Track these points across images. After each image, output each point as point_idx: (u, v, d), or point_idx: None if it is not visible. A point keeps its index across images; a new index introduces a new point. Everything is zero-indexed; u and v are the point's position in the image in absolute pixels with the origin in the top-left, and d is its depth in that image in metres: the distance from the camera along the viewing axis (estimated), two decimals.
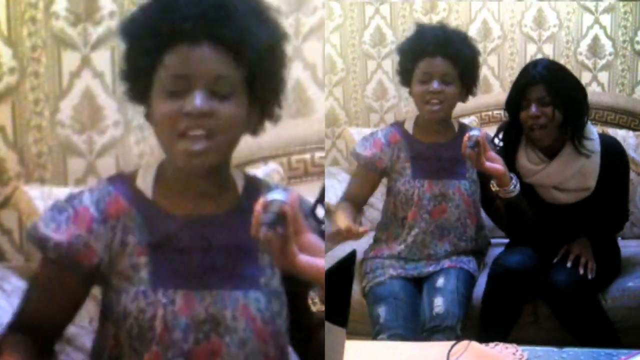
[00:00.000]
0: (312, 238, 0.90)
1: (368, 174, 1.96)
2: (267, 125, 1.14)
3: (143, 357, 1.01)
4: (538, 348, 1.34)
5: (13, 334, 1.07)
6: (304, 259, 0.89)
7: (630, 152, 2.28)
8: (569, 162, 1.86)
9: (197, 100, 1.00)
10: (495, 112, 2.68)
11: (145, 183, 1.10)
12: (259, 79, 1.06)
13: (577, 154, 1.84)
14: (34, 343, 1.06)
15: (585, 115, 1.87)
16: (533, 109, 1.80)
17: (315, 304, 0.92)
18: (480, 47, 2.81)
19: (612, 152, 1.90)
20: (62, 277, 1.07)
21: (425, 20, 2.81)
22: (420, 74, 1.86)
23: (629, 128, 2.57)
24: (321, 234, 0.99)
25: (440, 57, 1.84)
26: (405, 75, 1.92)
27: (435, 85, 1.83)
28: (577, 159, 1.85)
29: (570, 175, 1.87)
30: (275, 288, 1.09)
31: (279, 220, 0.88)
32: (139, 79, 1.06)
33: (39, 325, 1.08)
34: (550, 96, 1.78)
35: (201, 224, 1.08)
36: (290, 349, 1.15)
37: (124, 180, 1.12)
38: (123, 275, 1.05)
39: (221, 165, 1.09)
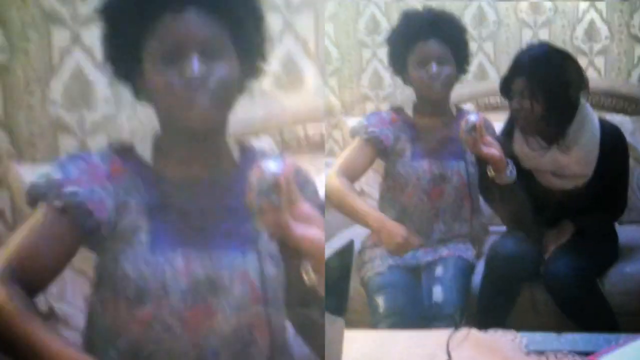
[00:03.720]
0: (307, 208, 0.89)
1: (369, 149, 1.94)
2: (259, 97, 1.19)
3: (141, 318, 1.02)
4: (537, 334, 1.34)
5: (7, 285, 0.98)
6: (298, 228, 0.87)
7: (627, 137, 2.27)
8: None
9: (195, 65, 1.03)
10: (492, 98, 2.67)
11: (143, 151, 1.14)
12: (243, 36, 1.10)
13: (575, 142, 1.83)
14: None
15: (570, 112, 1.82)
16: (515, 101, 1.81)
17: (308, 274, 0.91)
18: (475, 33, 2.82)
19: (612, 140, 1.89)
20: (63, 229, 1.04)
21: (419, 7, 2.79)
22: (415, 58, 1.87)
23: (625, 113, 2.56)
24: (320, 207, 0.98)
25: (433, 39, 1.86)
26: (399, 62, 1.93)
27: (433, 67, 1.84)
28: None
29: (569, 162, 1.86)
30: (272, 251, 1.09)
31: (273, 190, 0.87)
32: (126, 56, 1.08)
33: (28, 276, 1.00)
34: (529, 89, 1.77)
35: (199, 186, 1.11)
36: (291, 339, 1.15)
37: (124, 147, 1.15)
38: (122, 237, 1.06)
39: (218, 130, 1.11)
